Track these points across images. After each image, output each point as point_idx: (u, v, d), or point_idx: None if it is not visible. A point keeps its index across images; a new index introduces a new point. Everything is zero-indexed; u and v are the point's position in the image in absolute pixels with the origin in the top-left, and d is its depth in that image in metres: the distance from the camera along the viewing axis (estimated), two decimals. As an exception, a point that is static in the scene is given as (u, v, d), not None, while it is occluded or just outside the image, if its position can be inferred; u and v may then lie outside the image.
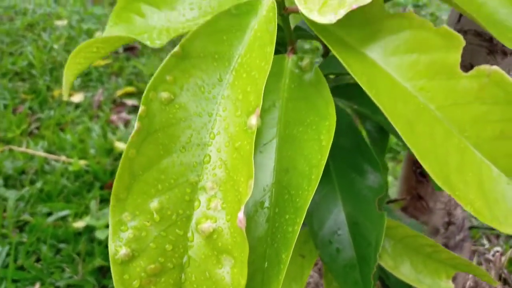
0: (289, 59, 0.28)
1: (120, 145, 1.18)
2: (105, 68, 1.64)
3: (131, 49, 1.75)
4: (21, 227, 0.91)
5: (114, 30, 0.31)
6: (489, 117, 0.23)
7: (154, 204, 0.21)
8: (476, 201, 0.22)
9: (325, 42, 0.24)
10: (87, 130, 1.29)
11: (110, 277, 0.80)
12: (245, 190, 0.20)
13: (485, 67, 0.22)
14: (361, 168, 0.29)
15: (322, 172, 0.23)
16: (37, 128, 1.33)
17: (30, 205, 0.96)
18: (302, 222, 0.22)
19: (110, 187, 1.02)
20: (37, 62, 1.56)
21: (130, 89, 1.53)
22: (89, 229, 0.89)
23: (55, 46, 1.66)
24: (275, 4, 0.25)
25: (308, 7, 0.23)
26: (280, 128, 0.26)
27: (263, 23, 0.24)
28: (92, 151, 1.15)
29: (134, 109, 1.45)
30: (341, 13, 0.22)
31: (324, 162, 0.23)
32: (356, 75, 0.23)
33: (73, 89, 1.51)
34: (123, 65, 1.65)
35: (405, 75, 0.24)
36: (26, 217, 0.93)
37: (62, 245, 0.86)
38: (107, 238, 0.84)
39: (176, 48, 0.22)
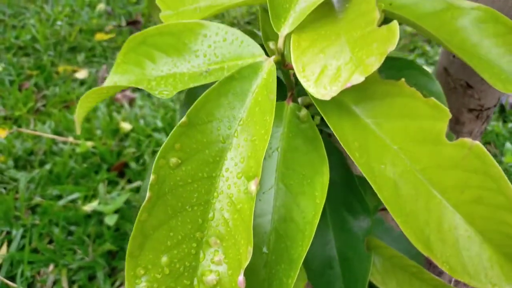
0: (288, 107, 0.30)
1: (125, 126, 1.20)
2: (108, 42, 1.63)
3: (134, 23, 1.73)
4: (33, 208, 0.96)
5: (121, 70, 0.32)
6: (469, 183, 0.25)
7: (164, 259, 0.24)
8: (452, 259, 0.25)
9: (318, 108, 0.26)
10: (92, 108, 1.31)
11: (120, 259, 0.85)
12: (245, 254, 0.23)
13: (468, 140, 0.24)
14: (352, 207, 0.31)
15: (315, 228, 0.25)
16: (44, 105, 1.35)
17: (40, 187, 1.00)
18: (296, 276, 0.25)
19: (117, 169, 1.06)
20: (41, 36, 1.56)
21: (134, 65, 1.53)
22: (98, 212, 0.93)
23: (59, 23, 1.65)
24: (275, 68, 0.27)
25: (306, 76, 0.25)
26: (278, 177, 0.28)
27: (263, 88, 0.26)
28: (98, 132, 1.18)
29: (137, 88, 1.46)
30: (335, 90, 0.23)
31: (317, 220, 0.25)
32: (347, 141, 0.25)
33: (78, 65, 1.51)
34: (126, 39, 1.64)
35: (396, 138, 0.26)
36: (37, 199, 0.97)
37: (73, 228, 0.90)
38: (115, 224, 0.88)
39: (184, 119, 0.24)
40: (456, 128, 0.50)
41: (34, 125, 1.22)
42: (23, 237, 0.87)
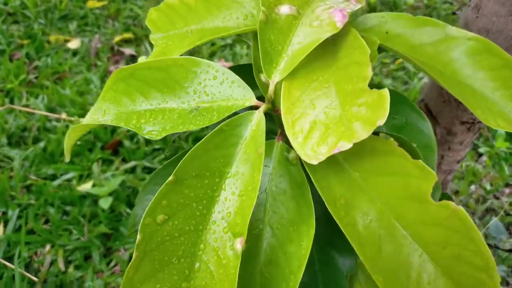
0: (278, 146, 0.30)
1: (119, 102, 1.19)
2: (101, 10, 1.58)
3: (127, -12, 1.66)
4: (28, 187, 0.97)
5: (108, 99, 0.32)
6: (450, 241, 0.25)
7: (152, 309, 0.25)
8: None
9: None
10: (85, 81, 1.29)
11: (115, 240, 0.87)
12: (229, 312, 0.24)
13: (452, 203, 0.25)
14: (336, 244, 0.32)
15: (300, 280, 0.26)
16: (36, 77, 1.32)
17: (35, 165, 1.00)
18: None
19: (111, 147, 1.06)
20: (30, 3, 1.50)
21: (127, 35, 1.49)
22: (93, 192, 0.94)
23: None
24: (264, 120, 0.26)
25: (295, 133, 0.25)
26: (266, 220, 0.29)
27: (252, 142, 0.26)
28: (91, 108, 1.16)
29: (132, 59, 1.43)
30: (322, 156, 0.23)
31: (301, 272, 0.26)
32: (334, 198, 0.25)
33: (70, 35, 1.47)
34: (119, 7, 1.58)
35: (383, 194, 0.26)
36: (32, 178, 0.97)
37: (68, 208, 0.92)
38: (110, 207, 0.89)
39: (171, 177, 0.24)
40: (447, 138, 0.50)
41: (27, 99, 1.21)
42: (19, 217, 0.89)
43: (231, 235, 0.25)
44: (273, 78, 0.27)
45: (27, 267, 0.82)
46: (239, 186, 0.25)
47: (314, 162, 0.23)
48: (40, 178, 0.98)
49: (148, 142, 1.08)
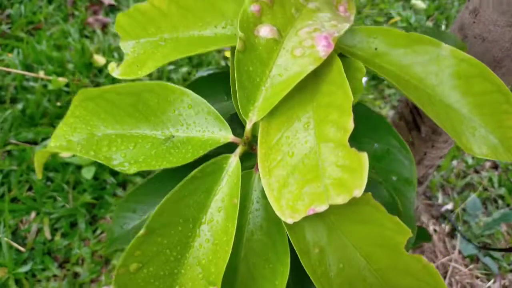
0: (256, 175, 0.29)
1: (98, 59, 1.14)
2: (76, -49, 1.45)
3: None
4: (8, 152, 0.95)
5: (74, 123, 0.30)
6: (421, 289, 0.26)
7: None
8: None
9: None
10: (62, 34, 1.22)
11: (100, 208, 0.87)
12: None
13: (424, 259, 0.25)
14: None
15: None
16: (9, 28, 1.24)
17: (14, 129, 0.97)
18: None
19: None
20: None
21: (106, -19, 1.39)
22: (76, 162, 0.93)
23: None
24: (240, 168, 0.25)
25: (271, 184, 0.24)
26: (241, 254, 0.28)
27: (227, 192, 0.25)
28: (70, 66, 1.11)
29: (111, 9, 1.34)
30: (297, 218, 0.22)
31: (275, 312, 0.26)
32: (307, 248, 0.25)
33: (43, -20, 1.36)
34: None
35: (357, 240, 0.26)
36: (12, 142, 0.95)
37: (51, 174, 0.91)
38: (94, 179, 0.89)
39: (142, 231, 0.23)
40: (432, 137, 0.50)
41: (0, 54, 1.14)
42: (1, 184, 0.88)
43: (206, 282, 0.25)
44: (251, 117, 0.25)
45: (14, 234, 0.83)
46: (214, 235, 0.25)
47: (289, 221, 0.22)
48: (20, 142, 0.96)
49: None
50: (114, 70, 0.31)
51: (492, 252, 0.82)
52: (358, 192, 0.20)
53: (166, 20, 0.31)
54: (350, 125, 0.23)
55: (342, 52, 0.31)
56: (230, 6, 0.31)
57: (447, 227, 0.83)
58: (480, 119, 0.31)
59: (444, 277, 0.77)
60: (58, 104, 1.04)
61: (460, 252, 0.80)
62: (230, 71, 0.30)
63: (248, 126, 0.26)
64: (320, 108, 0.26)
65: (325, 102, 0.26)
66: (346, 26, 0.28)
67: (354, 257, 0.26)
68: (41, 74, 1.08)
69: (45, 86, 1.06)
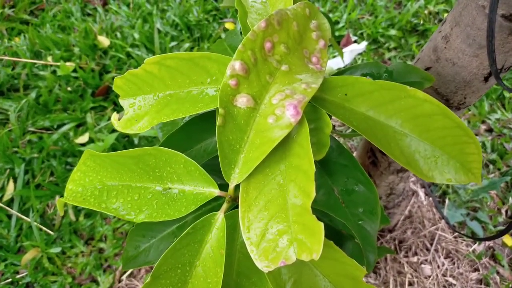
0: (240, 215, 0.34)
1: (102, 40, 1.16)
2: None
3: None
4: (29, 141, 1.01)
5: (85, 172, 0.35)
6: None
7: None
8: None
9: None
10: (65, 14, 1.24)
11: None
12: None
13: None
14: None
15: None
16: (13, 11, 1.26)
17: (31, 117, 1.03)
18: None
19: (101, 93, 1.08)
20: None
21: (102, -47, 1.37)
22: (91, 143, 0.99)
23: None
24: (225, 225, 0.30)
25: (250, 237, 0.29)
26: (233, 277, 0.35)
27: (215, 244, 0.30)
28: (76, 50, 1.14)
29: (111, -17, 1.34)
30: (271, 268, 0.28)
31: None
32: (282, 281, 0.31)
33: (39, -44, 1.35)
34: None
35: (326, 271, 0.32)
36: (31, 129, 1.01)
37: (70, 159, 0.98)
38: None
39: (149, 279, 0.30)
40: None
41: (9, 40, 1.17)
42: (25, 172, 0.96)
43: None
44: (232, 181, 0.30)
45: (42, 217, 0.92)
46: (207, 274, 0.31)
47: (265, 270, 0.28)
48: (38, 129, 1.02)
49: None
50: (116, 122, 0.36)
51: (479, 216, 0.88)
52: (316, 256, 0.26)
53: (159, 80, 0.35)
54: (313, 193, 0.28)
55: (313, 99, 0.35)
56: (212, 64, 0.35)
57: (437, 198, 0.88)
58: (442, 149, 0.35)
59: (431, 244, 0.84)
60: (69, 89, 1.08)
61: (444, 219, 0.87)
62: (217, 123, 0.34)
63: (231, 187, 0.31)
64: (291, 169, 0.30)
65: (295, 164, 0.30)
66: (316, 86, 0.32)
67: (323, 283, 0.32)
68: (49, 59, 1.12)
69: (54, 72, 1.10)
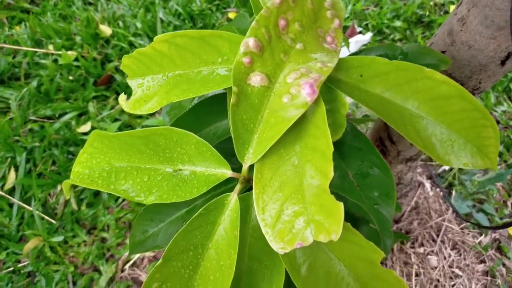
0: (254, 197, 0.33)
1: (104, 29, 1.15)
2: None
3: None
4: (30, 129, 1.00)
5: (92, 152, 0.34)
6: (394, 291, 0.31)
7: None
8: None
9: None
10: (66, 2, 1.22)
11: (119, 179, 0.94)
12: None
13: (394, 273, 0.30)
14: None
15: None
16: (13, -1, 1.25)
17: (32, 106, 1.02)
18: None
19: (103, 82, 1.07)
20: None
21: None
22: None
23: None
24: (239, 205, 0.29)
25: (265, 219, 0.28)
26: (246, 258, 0.34)
27: (228, 226, 0.29)
28: (78, 39, 1.13)
29: (113, -28, 1.32)
30: (288, 250, 0.27)
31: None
32: (294, 268, 0.30)
33: None
34: None
35: (341, 255, 0.31)
36: (32, 118, 1.00)
37: (72, 149, 0.97)
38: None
39: (160, 261, 0.29)
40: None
41: (9, 28, 1.16)
42: (27, 161, 0.95)
43: (215, 294, 0.30)
44: (246, 161, 0.29)
45: (44, 206, 0.91)
46: (219, 257, 0.30)
47: (280, 251, 0.27)
48: (39, 118, 1.01)
49: (140, 75, 1.08)
50: (123, 103, 0.35)
51: (485, 208, 0.87)
52: (335, 236, 0.25)
53: (168, 60, 0.34)
54: (331, 174, 0.27)
55: (328, 80, 0.34)
56: (224, 43, 0.34)
57: (444, 189, 0.88)
58: (459, 133, 0.34)
59: (438, 235, 0.83)
60: (70, 78, 1.07)
61: (454, 212, 0.86)
62: (228, 103, 0.33)
63: (245, 168, 0.30)
64: (306, 149, 0.29)
65: (311, 144, 0.29)
66: (332, 65, 0.31)
67: (338, 267, 0.31)
68: (51, 48, 1.11)
69: (55, 61, 1.09)
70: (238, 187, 0.31)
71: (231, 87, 0.33)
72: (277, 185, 0.29)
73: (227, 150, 0.35)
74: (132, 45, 1.13)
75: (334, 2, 0.35)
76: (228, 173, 0.31)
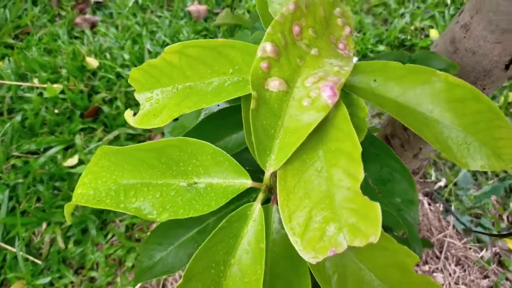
0: (273, 208, 0.32)
1: (91, 61, 1.14)
2: None
3: None
4: (13, 165, 0.96)
5: (98, 172, 0.32)
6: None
7: None
8: None
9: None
10: (51, 37, 1.21)
11: (108, 212, 0.90)
12: None
13: (431, 279, 0.28)
14: None
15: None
16: (-5, 35, 1.23)
17: (15, 141, 0.99)
18: None
19: (90, 114, 1.04)
20: None
21: (88, -22, 1.36)
22: (81, 165, 0.95)
23: None
24: (263, 215, 0.28)
25: (293, 228, 0.26)
26: (268, 280, 0.32)
27: (252, 238, 0.27)
28: (63, 71, 1.11)
29: (98, 6, 1.33)
30: (320, 259, 0.25)
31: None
32: (327, 275, 0.28)
33: (23, -18, 1.33)
34: None
35: (371, 264, 0.29)
36: (15, 154, 0.96)
37: (58, 184, 0.93)
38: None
39: (181, 280, 0.26)
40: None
41: (-9, 64, 1.14)
42: (10, 198, 0.90)
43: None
44: (268, 168, 0.28)
45: (28, 247, 0.86)
46: (244, 274, 0.28)
47: (312, 261, 0.25)
48: (23, 153, 0.97)
49: (127, 106, 1.06)
50: (130, 118, 0.33)
51: (482, 222, 0.87)
52: (374, 239, 0.23)
53: (178, 71, 0.33)
54: (361, 175, 0.26)
55: (344, 86, 0.34)
56: (236, 53, 0.33)
57: (441, 204, 0.87)
58: (474, 135, 0.34)
59: (440, 252, 0.82)
60: (56, 111, 1.04)
61: (454, 227, 0.85)
62: (243, 113, 0.32)
63: (267, 175, 0.28)
64: (330, 153, 0.28)
65: (334, 148, 0.28)
66: (349, 69, 0.31)
67: (369, 278, 0.29)
68: (36, 82, 1.08)
69: (40, 94, 1.07)
70: (260, 196, 0.29)
71: (245, 95, 0.32)
72: (302, 192, 0.27)
73: (240, 163, 0.33)
74: (119, 76, 1.11)
75: (343, 10, 0.35)
76: (248, 182, 0.29)
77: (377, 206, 0.24)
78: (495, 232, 0.87)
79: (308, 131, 0.28)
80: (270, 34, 0.30)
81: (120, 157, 0.31)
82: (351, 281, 0.29)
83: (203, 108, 0.40)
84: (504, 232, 0.88)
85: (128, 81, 0.34)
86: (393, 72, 0.34)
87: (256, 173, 0.33)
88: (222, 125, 0.38)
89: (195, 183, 0.30)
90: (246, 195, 0.32)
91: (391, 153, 0.34)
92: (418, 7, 1.33)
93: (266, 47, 0.29)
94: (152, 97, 0.33)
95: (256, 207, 0.28)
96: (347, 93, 0.33)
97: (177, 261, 0.36)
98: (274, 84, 0.29)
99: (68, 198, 0.91)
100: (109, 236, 0.89)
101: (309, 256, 0.25)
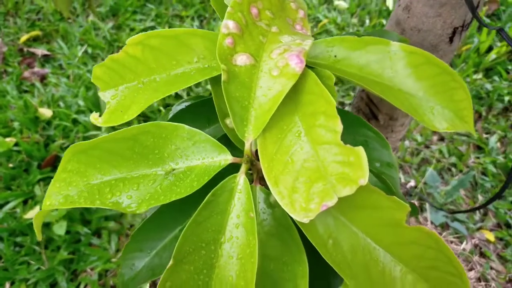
0: (257, 188, 0.31)
1: (44, 112, 1.10)
2: (-4, 7, 1.40)
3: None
4: (-34, 226, 0.89)
5: (68, 177, 0.30)
6: (425, 255, 0.29)
7: None
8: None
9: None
10: (1, 93, 1.17)
11: (78, 262, 0.84)
12: None
13: (425, 228, 0.28)
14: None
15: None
16: None
17: (-32, 200, 0.92)
18: None
19: (49, 164, 0.99)
20: None
21: (34, 32, 1.36)
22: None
23: None
24: (249, 184, 0.27)
25: (281, 192, 0.26)
26: (260, 263, 0.30)
27: (241, 208, 0.27)
28: (15, 124, 1.07)
29: (46, 59, 1.31)
30: (311, 217, 0.25)
31: (303, 310, 0.28)
32: (323, 241, 0.27)
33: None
34: (17, 0, 1.42)
35: (362, 225, 0.29)
36: (-32, 214, 0.89)
37: (19, 239, 0.86)
38: (66, 233, 0.86)
39: (171, 262, 0.25)
40: (390, 123, 0.55)
41: None
42: (-34, 262, 0.82)
43: (238, 293, 0.26)
44: (247, 137, 0.28)
45: (-10, 311, 0.78)
46: (236, 250, 0.26)
47: (305, 220, 0.25)
48: (-23, 213, 0.90)
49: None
50: (97, 119, 0.32)
51: (459, 217, 0.89)
52: (363, 181, 0.23)
53: (142, 64, 0.33)
54: (339, 127, 0.26)
55: (306, 64, 0.35)
56: (198, 40, 0.33)
57: (416, 203, 0.89)
58: (435, 98, 0.36)
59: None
60: (11, 165, 0.99)
61: (432, 223, 0.87)
62: (214, 99, 0.32)
63: (247, 145, 0.28)
64: (306, 117, 0.28)
65: (309, 111, 0.29)
66: (310, 42, 0.32)
67: (363, 241, 0.29)
68: (-15, 138, 1.03)
69: (-8, 150, 1.01)
70: (243, 168, 0.28)
71: (214, 78, 0.32)
72: (285, 157, 0.27)
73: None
74: (76, 122, 1.08)
75: (294, -5, 0.37)
76: (229, 158, 0.29)
77: (360, 150, 0.24)
78: (471, 225, 0.89)
79: (281, 98, 0.28)
80: (230, 13, 0.30)
81: (91, 153, 0.30)
82: (346, 244, 0.29)
83: (170, 110, 0.40)
84: (478, 227, 0.90)
85: (92, 80, 0.33)
86: (351, 45, 0.35)
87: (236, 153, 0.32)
88: (190, 120, 0.38)
89: (174, 169, 0.29)
90: (228, 174, 0.31)
91: (362, 122, 0.35)
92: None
93: (228, 23, 0.30)
94: (118, 94, 0.33)
95: (241, 178, 0.28)
96: (312, 68, 0.34)
97: (162, 263, 0.33)
98: (241, 59, 0.30)
99: (32, 252, 0.85)
100: (81, 286, 0.83)
101: (302, 216, 0.25)
